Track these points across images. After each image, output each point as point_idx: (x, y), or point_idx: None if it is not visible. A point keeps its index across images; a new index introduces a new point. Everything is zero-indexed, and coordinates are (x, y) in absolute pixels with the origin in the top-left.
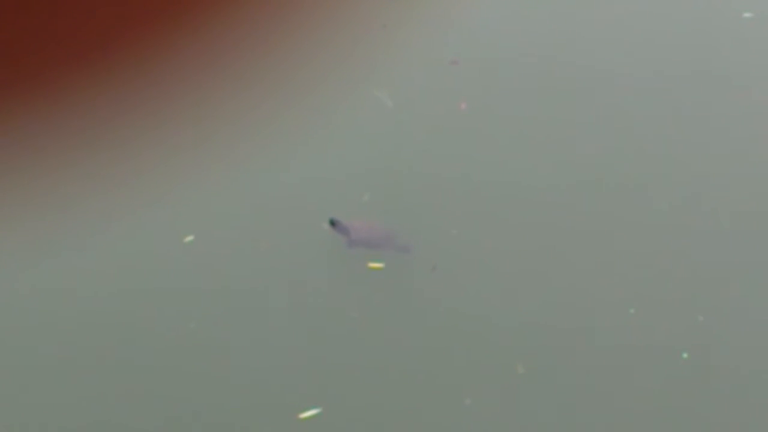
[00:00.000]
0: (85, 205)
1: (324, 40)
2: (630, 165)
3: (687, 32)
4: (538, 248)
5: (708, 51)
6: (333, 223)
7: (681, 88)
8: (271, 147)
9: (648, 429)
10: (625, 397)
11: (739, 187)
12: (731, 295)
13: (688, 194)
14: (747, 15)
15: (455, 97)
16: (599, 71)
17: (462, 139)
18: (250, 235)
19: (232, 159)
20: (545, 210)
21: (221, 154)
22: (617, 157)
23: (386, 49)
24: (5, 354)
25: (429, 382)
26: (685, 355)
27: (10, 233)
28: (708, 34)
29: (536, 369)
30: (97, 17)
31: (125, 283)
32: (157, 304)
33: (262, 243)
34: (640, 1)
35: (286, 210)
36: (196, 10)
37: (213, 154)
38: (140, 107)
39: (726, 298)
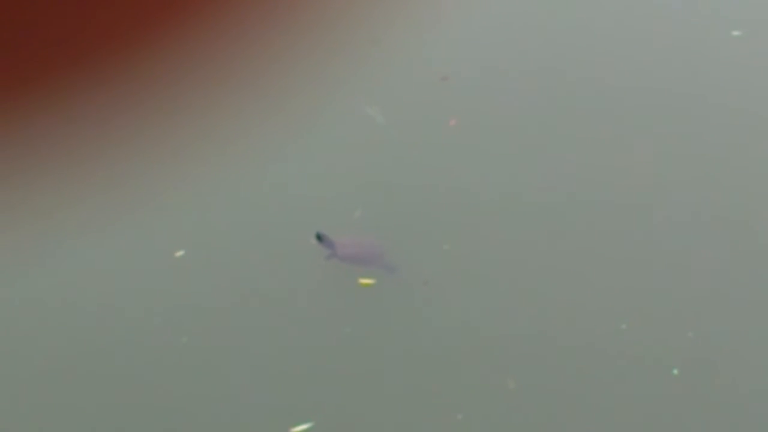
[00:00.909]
0: (75, 220)
1: (314, 57)
2: (621, 180)
3: (680, 48)
4: (529, 263)
5: (699, 68)
6: (319, 237)
7: (674, 103)
8: (261, 163)
9: None
10: (615, 412)
11: (732, 202)
12: (722, 311)
13: (679, 209)
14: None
15: (446, 113)
16: (590, 88)
17: (452, 154)
18: (241, 250)
19: (223, 174)
20: (536, 225)
21: (212, 169)
22: (608, 172)
23: (377, 65)
24: None
25: (421, 396)
26: (675, 371)
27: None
28: (699, 51)
29: (527, 384)
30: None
31: (116, 298)
32: (149, 319)
33: (253, 258)
34: (632, 18)
35: (277, 225)
36: (186, 26)
37: (204, 169)
38: (129, 122)
39: (716, 314)
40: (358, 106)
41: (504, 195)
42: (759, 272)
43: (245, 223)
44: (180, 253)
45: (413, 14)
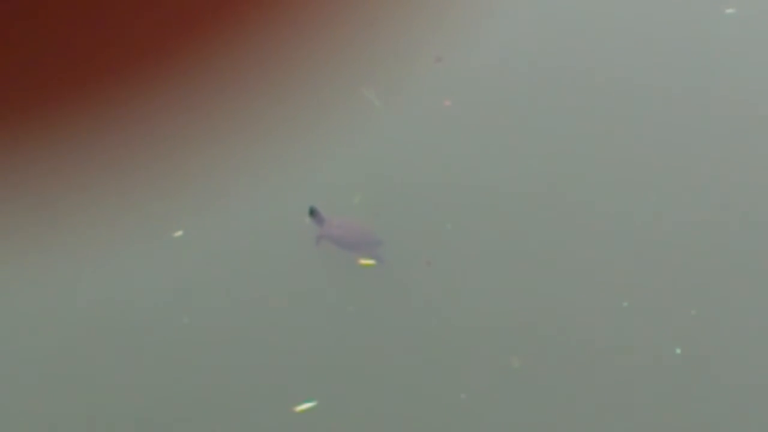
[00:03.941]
0: (74, 202)
1: (309, 40)
2: (620, 161)
3: (678, 33)
4: (531, 243)
5: (697, 50)
6: (312, 212)
7: (669, 89)
8: (259, 144)
9: (641, 423)
10: (619, 391)
11: (731, 184)
12: (724, 290)
13: (679, 189)
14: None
15: (441, 94)
16: (586, 68)
17: (450, 135)
18: (241, 232)
19: (221, 157)
20: (537, 205)
21: (210, 152)
22: (607, 154)
23: (373, 48)
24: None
25: (424, 376)
26: (678, 350)
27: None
28: (696, 33)
29: (531, 363)
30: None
31: (116, 279)
32: (150, 299)
33: (253, 240)
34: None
35: (276, 207)
36: (185, 19)
37: (202, 151)
38: (132, 107)
39: (719, 292)
40: (356, 88)
41: (504, 174)
42: (761, 252)
43: (244, 204)
44: (179, 234)
45: None
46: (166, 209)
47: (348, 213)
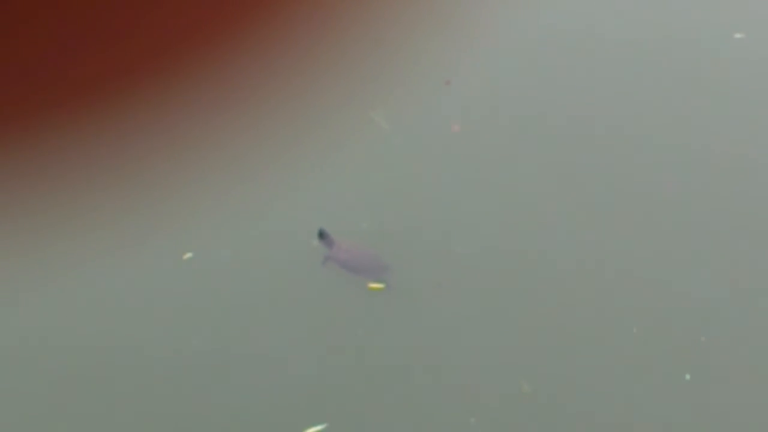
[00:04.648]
0: (83, 221)
1: (318, 61)
2: (629, 181)
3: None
4: (540, 265)
5: (706, 75)
6: (321, 234)
7: (683, 122)
8: (267, 167)
9: None
10: (628, 417)
11: (740, 210)
12: (734, 316)
13: (689, 211)
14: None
15: (450, 118)
16: (594, 94)
17: (458, 159)
18: (249, 253)
19: (230, 178)
20: (546, 226)
21: (219, 174)
22: (616, 172)
23: (381, 69)
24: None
25: (434, 400)
26: (687, 377)
27: (11, 245)
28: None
29: (541, 387)
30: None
31: (126, 300)
32: (159, 321)
33: (262, 263)
34: (639, 25)
35: (284, 230)
36: (189, 36)
37: (211, 173)
38: (141, 124)
39: (729, 318)
40: (364, 111)
41: (513, 198)
42: None
43: (254, 227)
44: (188, 256)
45: (416, 17)
46: (176, 231)
47: (356, 237)
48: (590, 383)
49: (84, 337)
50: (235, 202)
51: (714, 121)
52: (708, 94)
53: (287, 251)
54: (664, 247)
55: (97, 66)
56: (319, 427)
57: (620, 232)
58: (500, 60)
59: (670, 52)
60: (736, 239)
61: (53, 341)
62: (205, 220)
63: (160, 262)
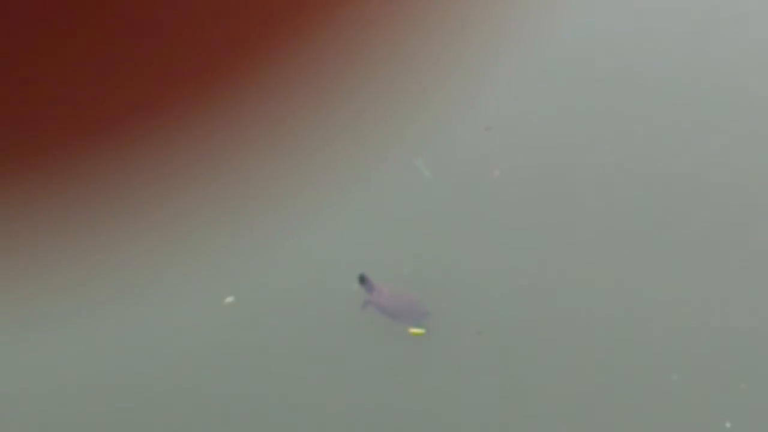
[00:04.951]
0: (124, 263)
1: (359, 109)
2: (674, 232)
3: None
4: (581, 316)
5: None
6: (362, 279)
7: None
8: (310, 213)
9: None
10: None
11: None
12: None
13: (728, 260)
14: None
15: (490, 164)
16: (638, 142)
17: (498, 205)
18: (290, 298)
19: (272, 222)
20: (586, 276)
21: (262, 218)
22: (659, 224)
23: (423, 117)
24: (43, 408)
25: None
26: (728, 425)
27: (50, 286)
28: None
29: None
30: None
31: (166, 343)
32: (200, 364)
33: (302, 308)
34: (690, 68)
35: (325, 275)
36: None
37: (253, 217)
38: (180, 165)
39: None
40: (405, 157)
41: (553, 245)
42: None
43: (295, 271)
44: (229, 300)
45: (457, 64)
46: (217, 275)
47: (397, 282)
48: (630, 431)
49: (125, 380)
50: (277, 246)
51: None
52: None
53: (327, 296)
54: (707, 295)
55: (127, 106)
56: None
57: (663, 281)
58: (540, 105)
59: (728, 102)
60: None
61: (85, 388)
62: (248, 264)
63: (201, 306)
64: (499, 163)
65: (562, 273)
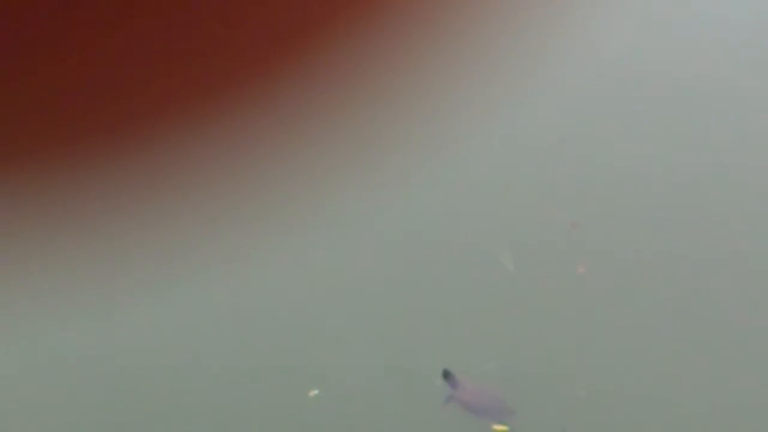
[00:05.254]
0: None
1: (445, 204)
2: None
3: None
4: (666, 414)
5: None
6: (446, 374)
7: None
8: (397, 307)
9: None
10: None
11: None
12: None
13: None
14: None
15: (575, 261)
16: (729, 244)
17: (583, 302)
18: (374, 391)
19: (358, 316)
20: (671, 372)
21: (346, 310)
22: (742, 320)
23: (508, 211)
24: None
25: None
26: None
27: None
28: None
29: None
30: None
31: None
32: None
33: (385, 399)
34: None
35: (408, 369)
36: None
37: (344, 314)
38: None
39: None
40: (490, 252)
41: (639, 341)
42: None
43: (380, 365)
44: (314, 393)
45: (544, 162)
46: (303, 368)
47: (481, 378)
48: None
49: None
50: (364, 341)
51: None
52: None
53: (411, 390)
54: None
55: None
56: None
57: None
58: (627, 202)
59: None
60: None
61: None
62: (334, 359)
63: (285, 399)
64: (585, 259)
65: (647, 370)
